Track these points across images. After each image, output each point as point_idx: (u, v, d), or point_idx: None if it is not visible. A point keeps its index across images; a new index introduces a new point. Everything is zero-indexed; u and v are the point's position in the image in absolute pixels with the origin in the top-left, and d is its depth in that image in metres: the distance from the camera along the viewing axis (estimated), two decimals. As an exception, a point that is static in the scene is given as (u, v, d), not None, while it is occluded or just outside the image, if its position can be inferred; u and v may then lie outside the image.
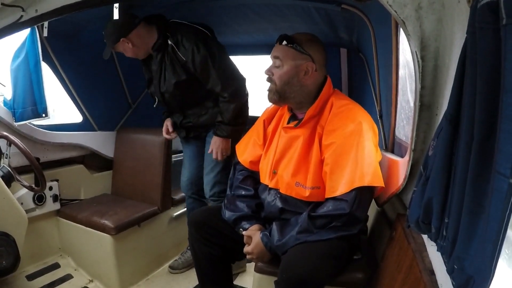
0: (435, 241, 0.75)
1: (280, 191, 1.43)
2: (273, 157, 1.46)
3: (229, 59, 2.04)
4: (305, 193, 1.36)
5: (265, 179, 1.50)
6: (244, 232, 1.43)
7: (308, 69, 1.37)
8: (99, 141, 2.54)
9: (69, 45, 2.25)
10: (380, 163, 1.33)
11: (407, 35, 0.90)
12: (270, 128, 1.56)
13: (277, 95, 1.41)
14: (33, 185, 1.95)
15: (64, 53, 2.24)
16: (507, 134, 0.48)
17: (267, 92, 1.44)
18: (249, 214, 1.48)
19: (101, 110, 2.56)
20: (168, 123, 2.20)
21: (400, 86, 1.45)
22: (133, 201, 2.35)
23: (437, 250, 0.76)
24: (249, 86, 2.13)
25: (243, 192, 1.56)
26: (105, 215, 2.10)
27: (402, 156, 1.36)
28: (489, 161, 0.53)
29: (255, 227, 1.43)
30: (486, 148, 0.54)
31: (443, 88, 0.90)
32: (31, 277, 2.10)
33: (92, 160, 2.56)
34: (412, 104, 1.17)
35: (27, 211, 1.98)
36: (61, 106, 2.83)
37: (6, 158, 1.88)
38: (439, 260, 0.83)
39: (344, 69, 2.64)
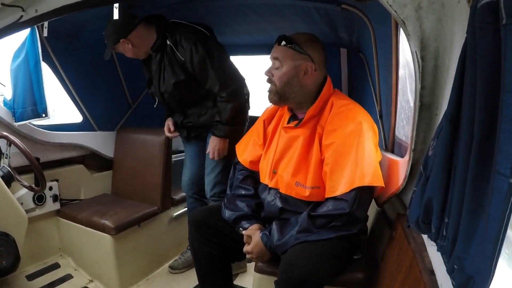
0: (435, 241, 0.75)
1: (280, 190, 1.43)
2: (273, 157, 1.46)
3: (229, 59, 2.04)
4: (305, 192, 1.36)
5: (265, 179, 1.50)
6: (244, 232, 1.43)
7: (307, 69, 1.37)
8: (99, 141, 2.54)
9: (69, 45, 2.25)
10: (380, 163, 1.33)
11: (407, 35, 0.90)
12: (270, 128, 1.57)
13: (277, 96, 1.41)
14: (33, 185, 1.95)
15: (64, 53, 2.24)
16: (507, 134, 0.48)
17: (268, 93, 1.45)
18: (249, 214, 1.48)
19: (101, 110, 2.56)
20: (169, 122, 2.21)
21: (400, 86, 1.45)
22: (133, 201, 2.35)
23: (437, 250, 0.76)
24: (249, 86, 2.13)
25: (243, 192, 1.56)
26: (105, 215, 2.10)
27: (402, 156, 1.36)
28: (489, 161, 0.53)
29: (255, 226, 1.43)
30: (486, 148, 0.54)
31: (443, 88, 0.90)
32: (31, 277, 2.10)
33: (92, 160, 2.56)
34: (412, 104, 1.17)
35: (27, 211, 1.98)
36: (61, 106, 2.83)
37: (6, 158, 1.88)
38: (439, 260, 0.83)
39: (344, 69, 2.64)
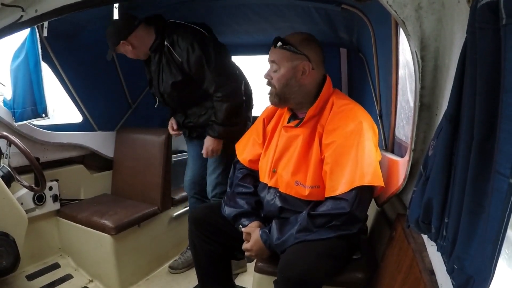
0: (435, 241, 0.75)
1: (280, 190, 1.43)
2: (273, 156, 1.46)
3: (228, 58, 2.04)
4: (304, 192, 1.36)
5: (264, 177, 1.50)
6: (243, 229, 1.43)
7: (304, 68, 1.38)
8: (99, 141, 2.54)
9: (69, 45, 2.25)
10: (380, 163, 1.33)
11: (407, 35, 0.90)
12: (270, 127, 1.57)
13: (278, 97, 1.42)
14: (33, 185, 1.95)
15: (64, 53, 2.24)
16: (507, 134, 0.48)
17: (268, 96, 1.46)
18: (248, 211, 1.48)
19: (101, 110, 2.56)
20: (172, 121, 2.23)
21: (400, 86, 1.45)
22: (133, 201, 2.35)
23: (437, 250, 0.76)
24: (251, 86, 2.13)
25: (243, 190, 1.56)
26: (105, 215, 2.10)
27: (402, 156, 1.36)
28: (489, 161, 0.53)
29: (254, 224, 1.43)
30: (486, 148, 0.54)
31: (443, 88, 0.90)
32: (31, 277, 2.10)
33: (92, 160, 2.56)
34: (412, 104, 1.17)
35: (27, 211, 1.98)
36: (61, 106, 2.83)
37: (6, 158, 1.88)
38: (439, 260, 0.83)
39: (344, 69, 2.64)
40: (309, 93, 1.42)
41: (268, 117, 1.60)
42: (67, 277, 2.16)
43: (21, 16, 1.40)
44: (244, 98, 2.03)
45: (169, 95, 2.06)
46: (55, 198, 2.25)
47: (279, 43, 1.38)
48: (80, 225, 2.13)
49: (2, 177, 1.79)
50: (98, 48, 2.20)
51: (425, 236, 1.03)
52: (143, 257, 2.24)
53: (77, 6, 1.26)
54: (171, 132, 2.24)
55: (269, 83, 1.43)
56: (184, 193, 2.47)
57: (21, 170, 2.04)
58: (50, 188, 2.22)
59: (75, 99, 2.40)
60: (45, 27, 2.01)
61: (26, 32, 1.98)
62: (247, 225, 1.44)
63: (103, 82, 2.55)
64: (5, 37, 1.58)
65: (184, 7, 2.16)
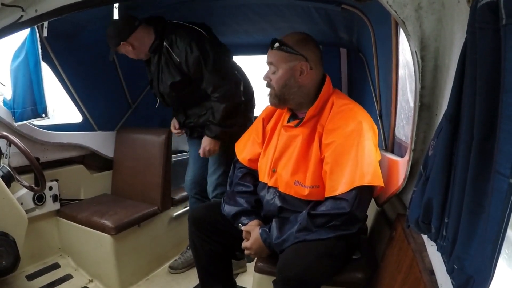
0: (435, 241, 0.75)
1: (279, 189, 1.43)
2: (273, 156, 1.46)
3: (227, 59, 2.03)
4: (304, 191, 1.36)
5: (264, 177, 1.50)
6: (243, 227, 1.43)
7: (302, 68, 1.37)
8: (99, 141, 2.54)
9: (69, 45, 2.25)
10: (380, 163, 1.33)
11: (407, 35, 0.90)
12: (269, 126, 1.57)
13: (277, 99, 1.42)
14: (33, 185, 1.95)
15: (64, 53, 2.24)
16: (507, 134, 0.48)
17: (268, 97, 1.46)
18: (248, 209, 1.48)
19: (101, 110, 2.56)
20: (175, 121, 2.24)
21: (400, 86, 1.45)
22: (133, 201, 2.35)
23: (437, 250, 0.76)
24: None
25: (242, 189, 1.57)
26: (105, 215, 2.10)
27: (402, 156, 1.36)
28: (489, 161, 0.53)
29: (254, 222, 1.44)
30: (486, 148, 0.54)
31: (443, 88, 0.90)
32: (31, 277, 2.10)
33: (92, 160, 2.56)
34: (412, 104, 1.17)
35: (27, 211, 1.98)
36: (61, 106, 2.83)
37: (6, 158, 1.88)
38: (439, 260, 0.82)
39: (344, 69, 2.65)
40: (308, 93, 1.42)
41: (267, 116, 1.60)
42: (67, 277, 2.16)
43: (21, 16, 1.40)
44: (243, 98, 2.02)
45: (169, 95, 2.06)
46: (55, 198, 2.25)
47: (276, 44, 1.38)
48: (80, 225, 2.13)
49: (2, 177, 1.79)
50: (98, 48, 2.20)
51: (425, 236, 1.03)
52: (143, 257, 2.24)
53: (77, 6, 1.26)
54: (174, 131, 2.24)
55: (268, 85, 1.44)
56: (184, 193, 2.47)
57: (21, 170, 2.04)
58: (50, 188, 2.22)
59: (75, 99, 2.39)
60: (45, 27, 2.01)
61: (26, 32, 1.98)
62: (247, 223, 1.44)
63: (103, 82, 2.55)
64: (5, 37, 1.58)
65: (184, 7, 2.16)
